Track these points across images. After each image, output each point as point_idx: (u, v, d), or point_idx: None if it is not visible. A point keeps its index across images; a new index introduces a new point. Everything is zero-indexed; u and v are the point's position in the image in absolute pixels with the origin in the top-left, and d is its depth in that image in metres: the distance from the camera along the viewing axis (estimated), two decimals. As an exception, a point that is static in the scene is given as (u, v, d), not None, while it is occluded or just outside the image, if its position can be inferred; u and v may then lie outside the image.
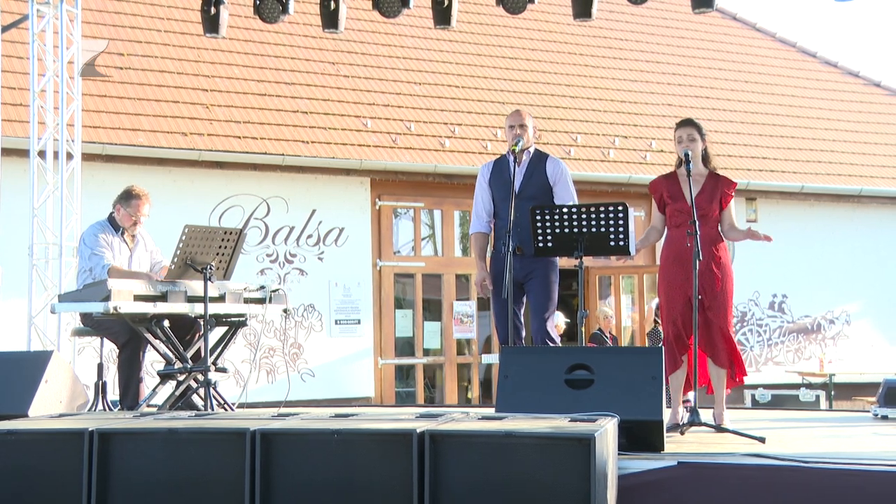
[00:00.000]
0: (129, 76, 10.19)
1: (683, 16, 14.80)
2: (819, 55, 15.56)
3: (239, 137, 10.01)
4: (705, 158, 5.46)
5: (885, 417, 6.31)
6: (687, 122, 5.44)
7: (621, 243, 5.09)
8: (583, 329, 5.28)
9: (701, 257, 5.01)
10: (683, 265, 5.21)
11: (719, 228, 5.38)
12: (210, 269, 5.55)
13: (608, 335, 10.49)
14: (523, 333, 5.58)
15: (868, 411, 6.85)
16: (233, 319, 6.00)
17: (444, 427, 3.54)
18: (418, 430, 3.44)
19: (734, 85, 14.15)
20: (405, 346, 11.08)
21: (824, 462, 3.98)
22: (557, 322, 9.64)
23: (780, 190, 12.21)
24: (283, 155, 9.99)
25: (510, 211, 5.25)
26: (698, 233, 5.07)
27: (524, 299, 5.65)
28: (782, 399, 9.60)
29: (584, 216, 5.06)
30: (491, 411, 4.59)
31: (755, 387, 10.01)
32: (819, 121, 13.95)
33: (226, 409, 5.72)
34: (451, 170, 10.60)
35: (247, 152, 9.86)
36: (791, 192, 12.28)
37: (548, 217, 5.11)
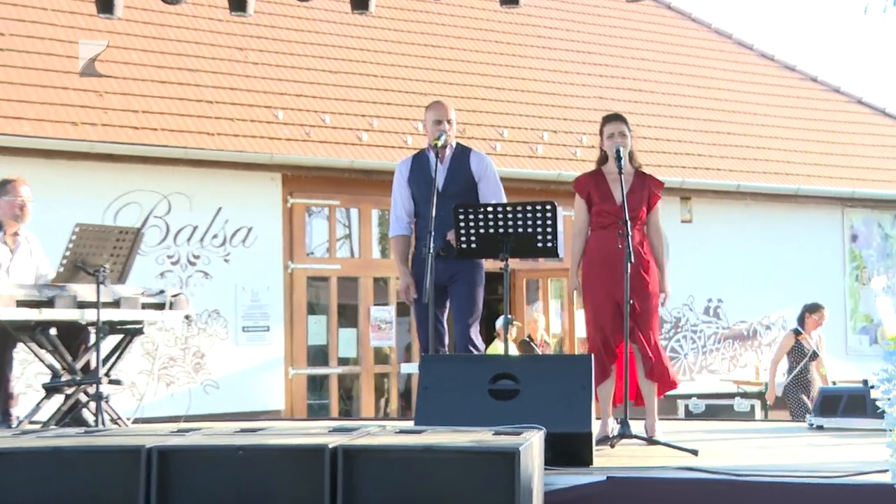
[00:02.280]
0: (11, 58, 9.98)
1: (615, 4, 14.98)
2: (756, 48, 15.89)
3: (136, 128, 9.90)
4: (632, 156, 5.55)
5: (820, 427, 6.47)
6: (617, 117, 5.52)
7: (549, 244, 5.14)
8: (508, 336, 5.33)
9: (633, 259, 5.08)
10: (611, 268, 5.27)
11: (646, 229, 5.48)
12: (103, 271, 5.46)
13: (539, 342, 10.60)
14: (446, 340, 5.63)
15: (804, 421, 6.99)
16: (128, 327, 5.91)
17: (359, 442, 3.53)
18: (331, 445, 3.42)
19: (668, 78, 14.40)
20: (318, 355, 11.06)
21: (758, 475, 4.05)
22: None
23: (715, 189, 12.45)
24: (185, 148, 9.91)
25: (432, 211, 5.27)
26: (630, 234, 5.14)
27: (447, 304, 5.66)
28: (717, 409, 9.80)
29: (510, 216, 5.10)
30: (410, 424, 4.61)
31: (689, 396, 10.18)
32: (756, 116, 14.24)
33: (119, 425, 5.63)
34: (369, 165, 10.66)
35: (145, 144, 9.75)
36: (727, 190, 12.52)
37: (471, 216, 5.13)
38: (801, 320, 9.21)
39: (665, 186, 5.73)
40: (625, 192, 5.27)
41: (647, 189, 5.46)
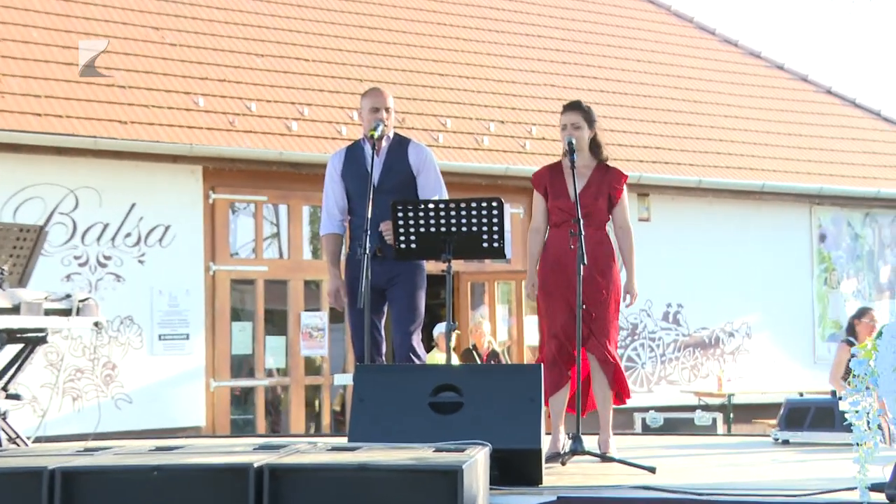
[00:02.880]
0: None
1: (568, -16, 15.17)
2: (718, 32, 16.09)
3: (39, 115, 9.80)
4: (594, 148, 5.60)
5: (786, 442, 6.56)
6: (572, 107, 5.59)
7: (496, 244, 5.16)
8: (450, 344, 5.35)
9: (586, 261, 5.13)
10: (564, 270, 5.35)
11: (608, 230, 5.55)
12: (1, 273, 5.35)
13: (484, 352, 10.65)
14: (384, 349, 5.66)
15: (768, 435, 7.06)
16: (29, 335, 5.77)
17: (286, 460, 3.52)
18: (256, 465, 3.41)
19: (625, 64, 14.53)
20: (243, 366, 11.05)
21: (720, 493, 4.11)
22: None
23: (675, 184, 12.58)
24: (94, 137, 9.82)
25: (368, 207, 5.29)
26: (582, 233, 5.19)
27: (385, 309, 5.70)
28: (676, 423, 9.86)
29: (452, 213, 5.13)
30: (344, 441, 4.61)
31: (646, 409, 10.26)
32: (718, 107, 14.45)
33: (18, 445, 5.51)
34: (300, 157, 10.67)
35: (49, 133, 9.65)
36: (687, 186, 12.65)
37: (411, 214, 5.17)
38: (851, 329, 9.07)
39: (624, 182, 5.75)
40: (577, 188, 5.35)
41: (606, 184, 5.52)
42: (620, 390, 5.58)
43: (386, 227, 5.45)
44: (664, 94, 14.23)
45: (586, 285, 5.32)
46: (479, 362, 10.37)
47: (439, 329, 10.66)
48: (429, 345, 10.59)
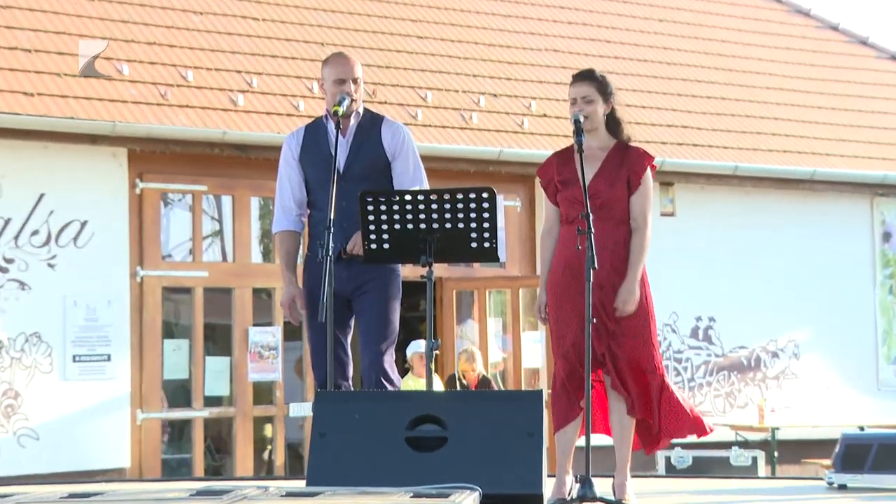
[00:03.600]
0: None
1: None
2: (760, -14, 16.16)
3: (-76, 85, 9.79)
4: (612, 126, 5.63)
5: (843, 487, 6.54)
6: (583, 77, 5.62)
7: (486, 244, 5.17)
8: (431, 365, 5.33)
9: (596, 265, 5.12)
10: (576, 276, 5.35)
11: (631, 223, 5.53)
12: None
13: (472, 380, 10.65)
14: (350, 372, 5.68)
15: (821, 478, 7.03)
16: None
17: (230, 510, 3.46)
18: (192, 515, 3.36)
19: (644, 24, 14.40)
20: (178, 394, 11.02)
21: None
22: None
23: (705, 171, 12.49)
24: (-7, 112, 9.79)
25: (331, 199, 5.31)
26: (592, 230, 5.17)
27: (352, 323, 5.73)
28: (707, 463, 9.83)
29: (434, 206, 5.14)
30: (301, 485, 4.58)
31: (671, 446, 10.10)
32: (758, 77, 14.33)
33: None
34: (247, 138, 10.67)
35: (-62, 107, 9.61)
36: (721, 174, 12.54)
37: (383, 207, 5.17)
38: None
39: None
40: (589, 174, 5.36)
41: (624, 167, 5.52)
42: (662, 425, 5.59)
43: (354, 244, 5.49)
44: (692, 62, 14.16)
45: (603, 293, 5.37)
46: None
47: (414, 348, 10.69)
48: (403, 367, 10.55)
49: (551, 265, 5.57)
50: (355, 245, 5.42)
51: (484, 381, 10.77)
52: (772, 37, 15.25)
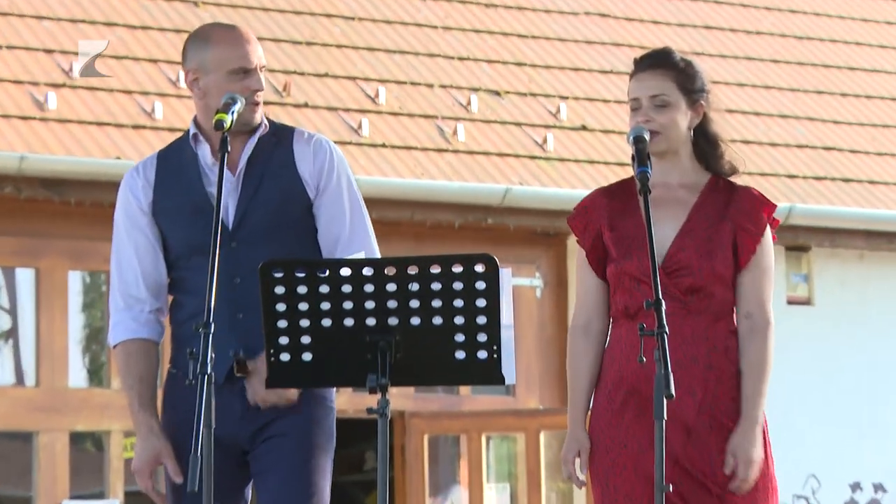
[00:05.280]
0: None
1: None
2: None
3: None
4: (706, 148, 4.95)
5: None
6: (652, 62, 4.97)
7: (482, 354, 4.39)
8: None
9: (673, 391, 4.27)
10: (642, 409, 4.71)
11: (734, 318, 4.87)
12: None
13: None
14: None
15: None
16: None
17: None
18: None
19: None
20: None
21: None
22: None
23: (865, 226, 11.15)
24: None
25: (211, 276, 4.55)
26: (666, 330, 4.37)
27: (248, 493, 5.03)
28: None
29: (392, 286, 4.42)
30: None
31: None
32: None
33: None
34: (60, 169, 9.44)
35: None
36: (887, 231, 11.16)
37: (302, 288, 4.44)
38: None
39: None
40: (668, 231, 4.78)
41: (728, 220, 4.83)
42: None
43: (253, 377, 4.77)
44: (821, 55, 12.97)
45: (691, 442, 4.75)
46: None
47: None
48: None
49: (594, 386, 4.91)
50: (255, 378, 4.73)
51: None
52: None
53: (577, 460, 4.85)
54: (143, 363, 5.01)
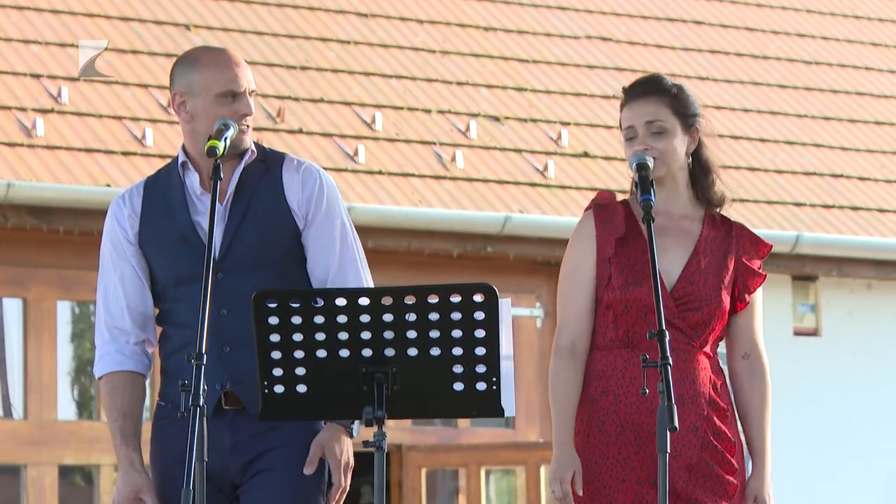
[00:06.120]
0: None
1: None
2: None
3: None
4: (700, 176, 5.01)
5: None
6: (646, 90, 5.01)
7: (481, 386, 4.41)
8: None
9: (676, 424, 4.27)
10: (642, 444, 4.75)
11: (733, 358, 5.02)
12: None
13: None
14: None
15: None
16: None
17: None
18: None
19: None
20: None
21: None
22: None
23: (875, 255, 11.16)
24: None
25: (203, 307, 4.54)
26: (669, 361, 4.37)
27: None
28: None
29: (389, 317, 4.43)
30: None
31: None
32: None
33: None
34: (48, 196, 9.50)
35: None
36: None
37: (296, 319, 4.47)
38: None
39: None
40: (674, 263, 4.82)
41: (732, 254, 4.94)
42: None
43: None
44: (827, 79, 13.08)
45: (689, 478, 4.73)
46: None
47: None
48: None
49: (586, 424, 4.87)
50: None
51: None
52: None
53: (563, 486, 4.83)
54: (127, 396, 5.02)
